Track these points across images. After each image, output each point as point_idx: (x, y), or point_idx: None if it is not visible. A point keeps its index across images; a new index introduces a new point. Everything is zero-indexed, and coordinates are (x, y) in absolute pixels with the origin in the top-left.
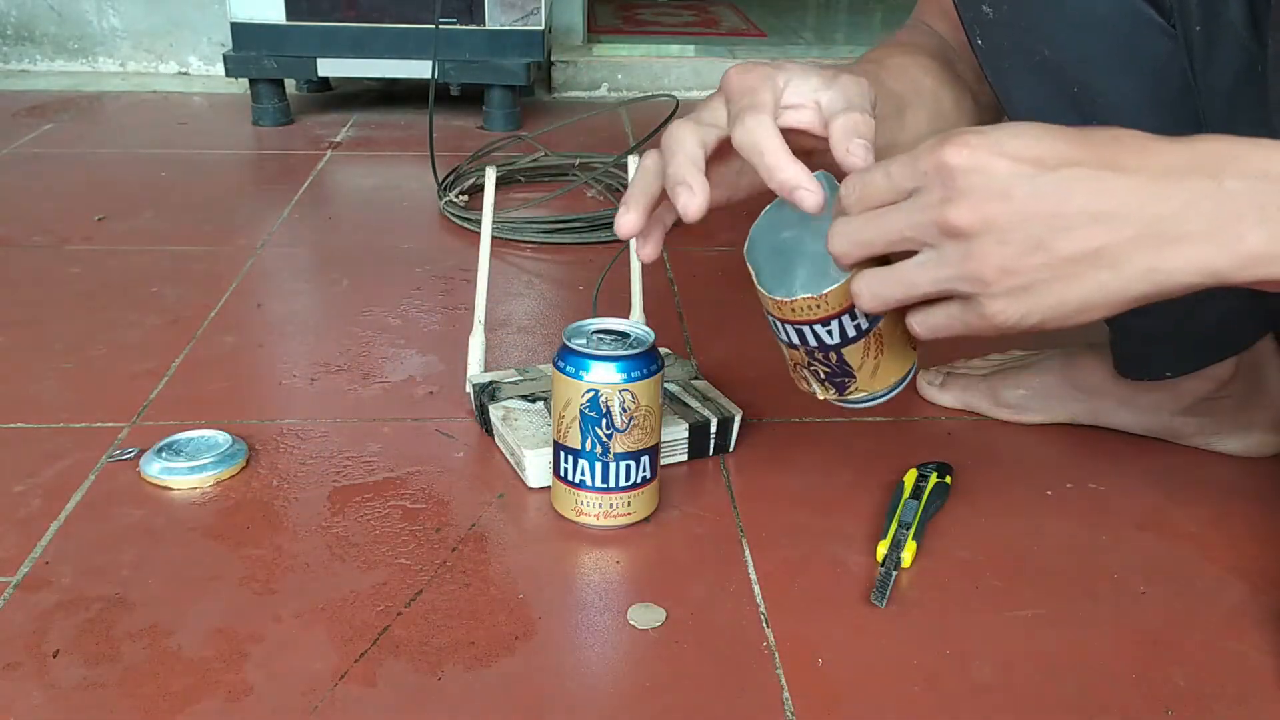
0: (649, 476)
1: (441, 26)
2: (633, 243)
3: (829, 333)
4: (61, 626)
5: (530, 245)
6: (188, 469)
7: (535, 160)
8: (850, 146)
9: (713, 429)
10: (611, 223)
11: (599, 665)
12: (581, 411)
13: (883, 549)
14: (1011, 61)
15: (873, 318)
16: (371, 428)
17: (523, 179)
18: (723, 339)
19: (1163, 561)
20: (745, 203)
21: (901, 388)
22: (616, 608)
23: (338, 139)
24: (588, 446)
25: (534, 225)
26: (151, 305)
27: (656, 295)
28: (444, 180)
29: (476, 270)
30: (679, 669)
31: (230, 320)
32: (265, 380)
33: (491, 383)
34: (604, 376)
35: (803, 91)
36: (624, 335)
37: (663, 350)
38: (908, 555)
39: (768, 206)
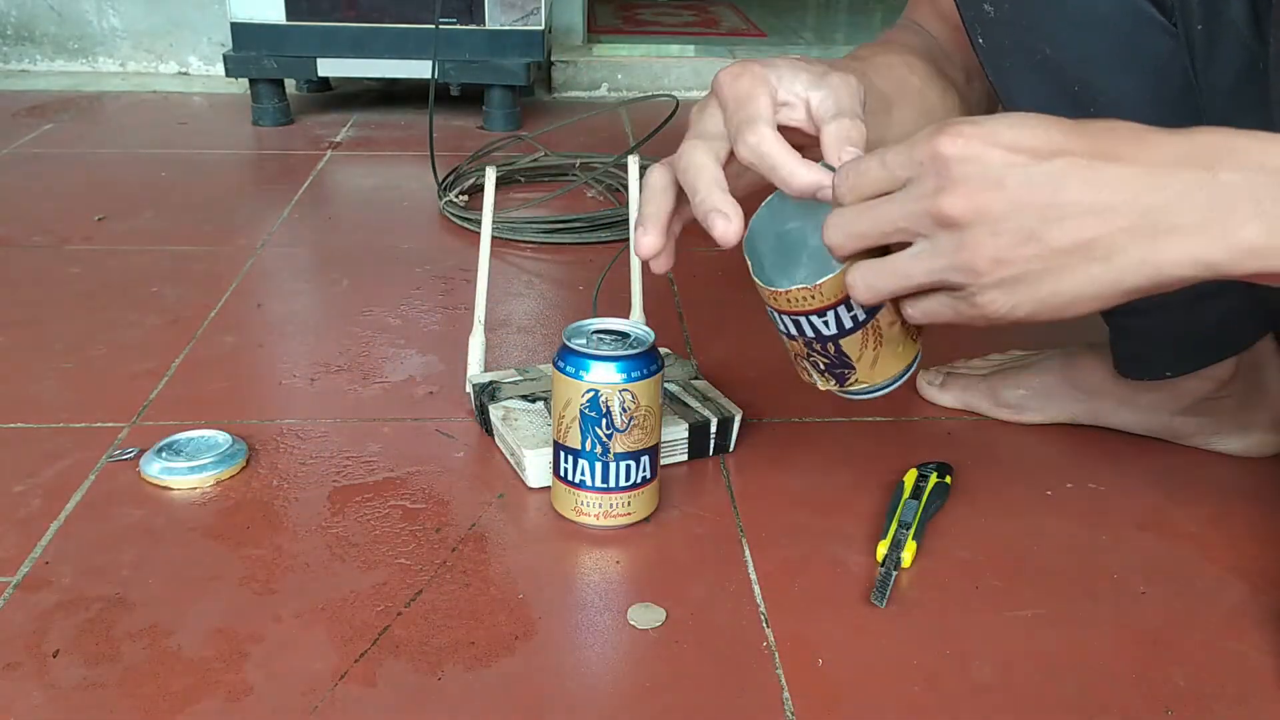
0: (649, 476)
1: (441, 26)
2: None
3: (825, 324)
4: (61, 626)
5: (530, 245)
6: (188, 469)
7: (535, 160)
8: (843, 155)
9: (713, 429)
10: (611, 223)
11: (599, 665)
12: (581, 411)
13: (883, 549)
14: (1013, 60)
15: (870, 309)
16: (371, 428)
17: (523, 179)
18: (723, 339)
19: (1163, 561)
20: (743, 200)
21: (904, 380)
22: (616, 608)
23: (338, 139)
24: (588, 446)
25: (534, 225)
26: (151, 305)
27: (656, 295)
28: (444, 180)
29: (476, 270)
30: (679, 669)
31: (230, 320)
32: (265, 380)
33: (491, 383)
34: (604, 376)
35: (793, 89)
36: (624, 335)
37: (663, 350)
38: (908, 555)
39: (768, 199)
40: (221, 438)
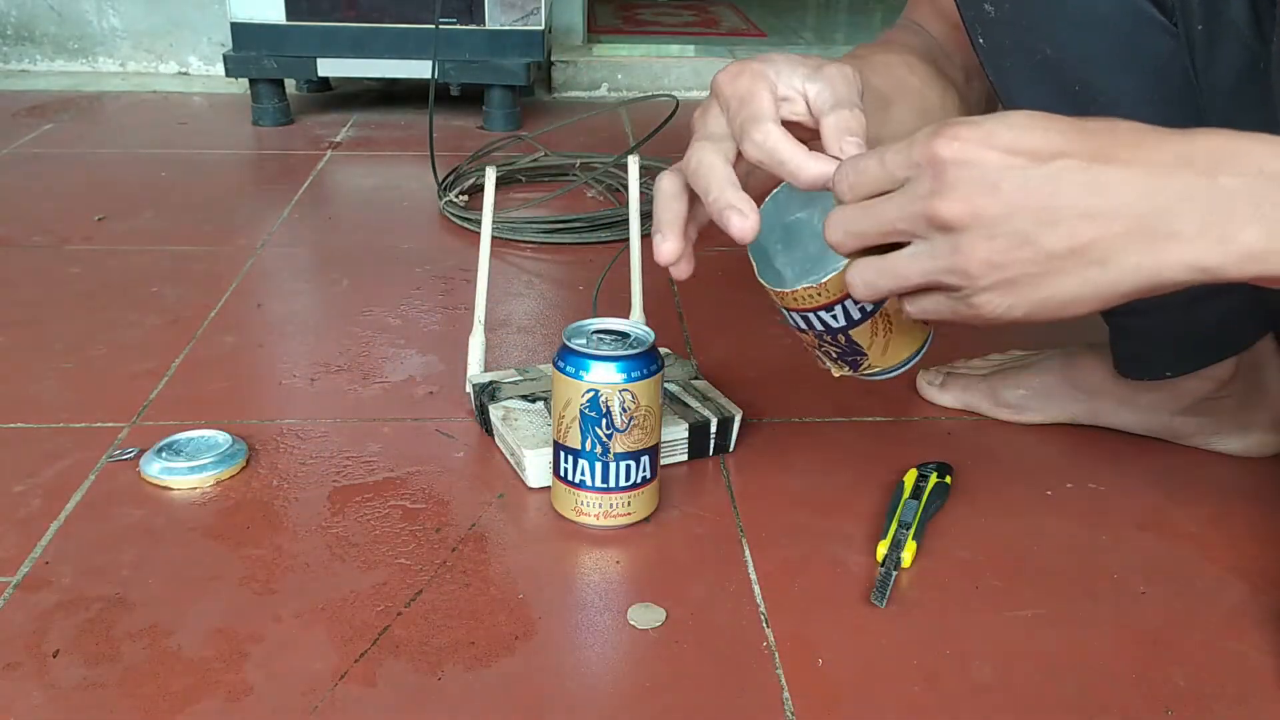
0: (649, 476)
1: (441, 26)
2: (632, 243)
3: (833, 317)
4: (61, 626)
5: (530, 245)
6: (188, 469)
7: (535, 160)
8: (844, 145)
9: (713, 429)
10: (611, 223)
11: (599, 665)
12: (581, 411)
13: (883, 549)
14: (1013, 60)
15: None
16: (371, 428)
17: (523, 179)
18: (723, 339)
19: (1163, 561)
20: (754, 200)
21: (918, 359)
22: (616, 608)
23: (338, 139)
24: (588, 446)
25: (534, 225)
26: (151, 305)
27: (656, 295)
28: (444, 180)
29: (476, 270)
30: (679, 669)
31: (230, 320)
32: (265, 380)
33: (491, 383)
34: (604, 376)
35: (792, 84)
36: (624, 335)
37: (663, 350)
38: (908, 555)
39: (772, 193)
40: (221, 438)
